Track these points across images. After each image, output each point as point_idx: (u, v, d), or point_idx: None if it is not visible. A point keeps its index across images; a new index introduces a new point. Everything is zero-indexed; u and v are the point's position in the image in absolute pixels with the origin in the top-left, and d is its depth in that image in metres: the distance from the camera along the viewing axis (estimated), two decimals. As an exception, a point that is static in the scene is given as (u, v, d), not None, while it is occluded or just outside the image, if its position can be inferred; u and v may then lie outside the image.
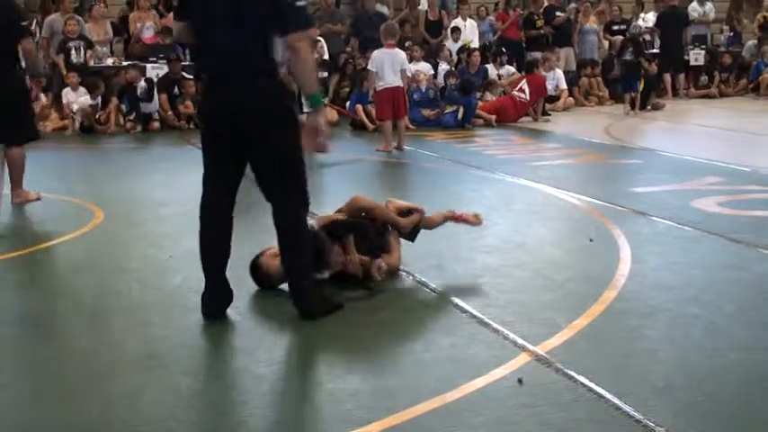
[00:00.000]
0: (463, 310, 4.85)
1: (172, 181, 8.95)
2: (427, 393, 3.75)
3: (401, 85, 11.07)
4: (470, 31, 16.57)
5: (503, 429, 3.47)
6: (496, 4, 18.09)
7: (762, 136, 12.26)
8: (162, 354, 4.32)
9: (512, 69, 15.79)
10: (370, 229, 5.44)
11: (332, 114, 13.80)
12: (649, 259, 5.83)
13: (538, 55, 15.74)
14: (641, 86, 14.88)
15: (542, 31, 16.63)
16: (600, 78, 16.49)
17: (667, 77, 16.67)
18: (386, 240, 5.53)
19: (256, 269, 5.21)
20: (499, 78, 15.27)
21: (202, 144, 4.84)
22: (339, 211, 5.61)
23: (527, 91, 14.07)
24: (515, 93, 14.15)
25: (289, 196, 4.69)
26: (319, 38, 11.84)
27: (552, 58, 15.59)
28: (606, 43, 17.60)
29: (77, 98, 13.08)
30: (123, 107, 13.36)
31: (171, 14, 13.93)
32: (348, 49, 15.64)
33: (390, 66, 10.88)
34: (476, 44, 16.20)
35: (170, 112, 13.47)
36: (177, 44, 13.62)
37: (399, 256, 5.57)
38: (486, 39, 16.91)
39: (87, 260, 6.19)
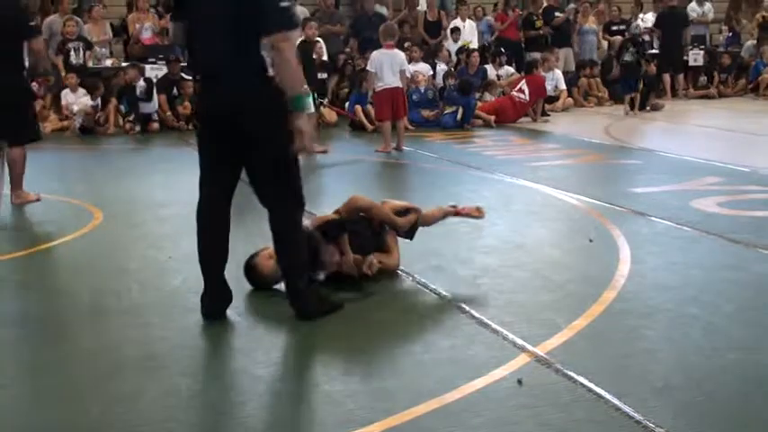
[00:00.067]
0: (463, 311, 4.85)
1: (171, 182, 8.95)
2: (427, 394, 3.75)
3: (400, 85, 11.07)
4: (469, 32, 16.56)
5: (502, 430, 3.47)
6: (495, 5, 18.09)
7: (761, 136, 12.27)
8: (161, 354, 4.32)
9: (511, 70, 15.79)
10: (364, 228, 5.44)
11: (331, 115, 13.81)
12: (649, 259, 5.83)
13: (537, 55, 15.74)
14: (640, 86, 14.89)
15: (541, 32, 16.63)
16: (598, 79, 16.49)
17: (666, 78, 16.66)
18: (384, 240, 5.53)
19: (251, 270, 5.22)
20: (498, 79, 15.28)
21: (199, 145, 4.83)
22: (337, 210, 5.61)
23: (526, 91, 14.07)
24: (514, 93, 14.15)
25: (284, 198, 4.69)
26: (318, 38, 11.83)
27: (551, 58, 15.59)
28: (605, 44, 17.60)
29: (77, 99, 13.08)
30: (122, 108, 13.36)
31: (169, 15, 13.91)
32: (347, 49, 15.63)
33: (389, 66, 10.88)
34: (475, 45, 16.21)
35: (169, 113, 13.47)
36: (175, 45, 13.61)
37: (398, 256, 5.57)
38: (485, 39, 16.91)
39: (87, 261, 6.19)
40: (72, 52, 13.68)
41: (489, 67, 15.51)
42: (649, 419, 3.48)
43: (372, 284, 5.29)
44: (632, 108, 14.73)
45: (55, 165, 10.47)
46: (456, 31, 16.38)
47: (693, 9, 18.26)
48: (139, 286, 5.47)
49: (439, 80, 14.71)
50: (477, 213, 5.90)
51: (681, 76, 17.22)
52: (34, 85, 8.80)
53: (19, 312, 5.13)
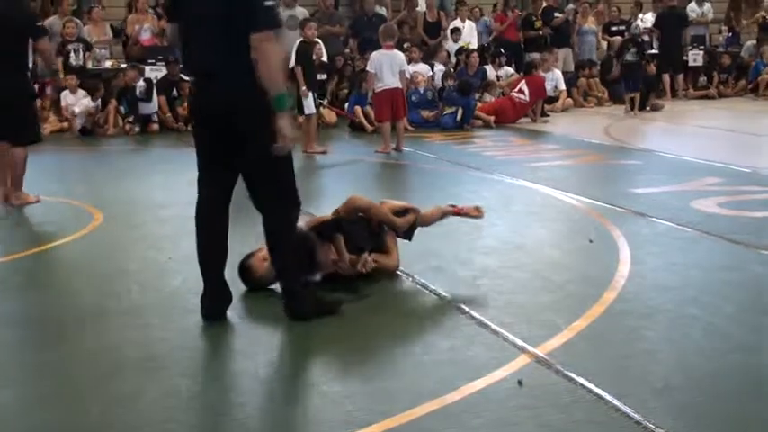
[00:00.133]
0: (462, 312, 4.85)
1: (171, 183, 8.94)
2: (427, 395, 3.75)
3: (400, 86, 11.07)
4: (469, 33, 16.55)
5: (502, 431, 3.47)
6: (495, 5, 18.09)
7: (761, 136, 12.27)
8: (161, 355, 4.32)
9: (510, 70, 15.79)
10: (361, 228, 5.43)
11: (330, 116, 13.81)
12: (649, 260, 5.83)
13: (536, 56, 15.74)
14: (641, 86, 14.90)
15: (541, 32, 16.62)
16: (597, 79, 16.49)
17: (666, 78, 16.66)
18: (383, 241, 5.53)
19: (245, 271, 5.22)
20: (498, 79, 15.28)
21: (195, 145, 4.84)
22: (336, 211, 5.60)
23: (526, 92, 14.06)
24: (514, 94, 14.14)
25: (278, 198, 4.69)
26: (318, 39, 11.82)
27: (551, 58, 15.59)
28: (605, 44, 17.60)
29: (77, 101, 13.08)
30: (122, 109, 13.36)
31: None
32: (347, 50, 15.62)
33: (389, 67, 10.89)
34: (474, 45, 16.20)
35: (169, 114, 13.47)
36: (174, 46, 13.60)
37: (398, 257, 5.57)
38: (483, 40, 16.91)
39: (87, 262, 6.19)
40: (72, 54, 13.68)
41: (489, 68, 15.50)
42: (649, 420, 3.48)
43: (372, 285, 5.29)
44: (632, 108, 14.73)
45: (55, 166, 10.47)
46: (456, 31, 16.38)
47: (693, 9, 18.26)
48: (139, 287, 5.47)
49: (437, 81, 14.70)
50: (476, 213, 5.90)
51: (680, 77, 17.20)
52: (47, 87, 8.80)
53: (19, 313, 5.14)
